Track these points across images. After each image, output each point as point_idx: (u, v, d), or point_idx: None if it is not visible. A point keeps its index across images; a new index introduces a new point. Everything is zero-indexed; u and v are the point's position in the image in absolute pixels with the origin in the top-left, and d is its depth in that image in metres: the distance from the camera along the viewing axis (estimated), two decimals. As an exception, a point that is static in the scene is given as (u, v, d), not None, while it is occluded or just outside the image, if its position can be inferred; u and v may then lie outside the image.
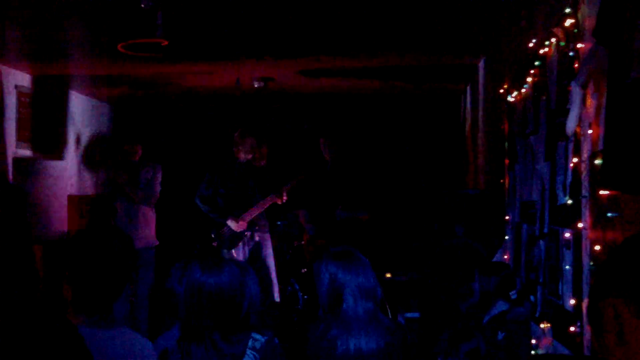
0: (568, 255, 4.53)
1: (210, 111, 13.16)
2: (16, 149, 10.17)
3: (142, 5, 6.40)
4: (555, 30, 4.88)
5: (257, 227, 9.20)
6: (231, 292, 3.82)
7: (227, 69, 10.02)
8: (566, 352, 4.52)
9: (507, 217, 6.83)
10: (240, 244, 9.15)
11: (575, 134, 4.33)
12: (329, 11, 7.25)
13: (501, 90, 7.08)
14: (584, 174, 4.15)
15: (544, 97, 5.29)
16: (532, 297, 5.64)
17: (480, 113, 9.58)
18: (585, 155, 4.14)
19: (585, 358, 3.87)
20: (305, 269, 9.73)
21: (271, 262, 9.23)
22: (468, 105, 11.15)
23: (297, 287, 9.65)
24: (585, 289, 4.03)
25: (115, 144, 12.12)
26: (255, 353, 3.84)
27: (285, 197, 9.16)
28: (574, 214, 4.33)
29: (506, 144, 6.95)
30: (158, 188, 10.56)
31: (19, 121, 10.25)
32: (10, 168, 9.91)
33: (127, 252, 3.44)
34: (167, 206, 11.17)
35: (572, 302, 4.34)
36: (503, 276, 5.88)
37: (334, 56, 9.45)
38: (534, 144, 5.64)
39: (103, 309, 3.36)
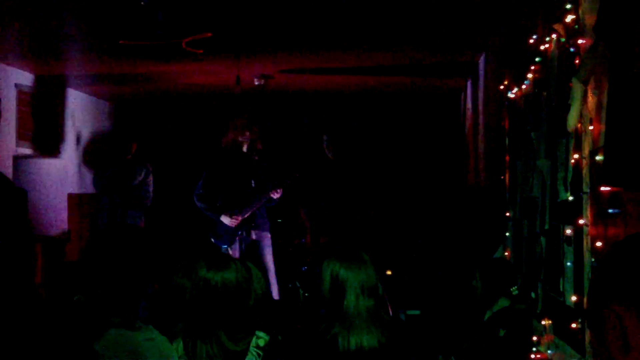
0: (569, 251, 4.52)
1: (211, 109, 13.15)
2: (16, 148, 10.17)
3: (142, 3, 6.39)
4: (555, 26, 4.87)
5: (254, 225, 9.18)
6: (238, 289, 3.82)
7: (227, 67, 10.01)
8: (567, 348, 4.51)
9: (508, 214, 6.82)
10: (237, 241, 9.14)
11: (576, 130, 4.33)
12: (330, 7, 7.25)
13: (501, 87, 7.07)
14: (585, 170, 4.15)
15: (545, 93, 5.28)
16: (533, 294, 5.63)
17: (481, 109, 9.56)
18: (586, 151, 4.13)
19: None
20: (306, 267, 9.73)
21: (270, 260, 9.21)
22: (468, 102, 11.14)
23: (298, 285, 9.64)
24: (587, 285, 4.02)
25: (114, 142, 12.13)
26: (259, 351, 3.84)
27: (279, 192, 9.10)
28: (575, 210, 4.32)
29: (507, 140, 6.94)
30: (150, 196, 10.56)
31: (19, 120, 10.25)
32: (10, 166, 9.90)
33: (150, 250, 3.41)
34: (166, 205, 11.17)
35: (574, 298, 4.33)
36: (504, 273, 5.88)
37: (334, 52, 9.44)
38: (535, 140, 5.63)
39: (130, 310, 3.31)
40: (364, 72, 10.79)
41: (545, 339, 5.18)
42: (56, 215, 11.30)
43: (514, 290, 5.80)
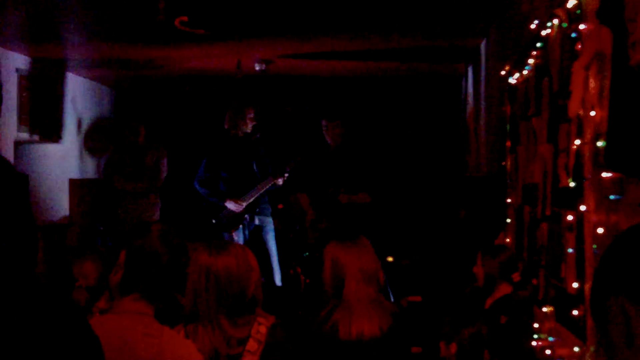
0: (570, 238, 4.51)
1: (212, 94, 13.13)
2: (17, 133, 10.15)
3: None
4: (557, 11, 4.85)
5: (257, 210, 9.17)
6: (238, 275, 3.82)
7: (228, 51, 9.99)
8: (570, 335, 4.50)
9: (509, 200, 6.81)
10: (240, 227, 9.13)
11: (577, 115, 4.31)
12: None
13: (503, 72, 7.04)
14: (587, 156, 4.13)
15: (546, 79, 5.26)
16: (534, 281, 5.62)
17: (482, 95, 9.54)
18: (587, 137, 4.11)
19: None
20: (308, 253, 9.72)
21: (273, 245, 9.22)
22: (469, 88, 11.11)
23: (300, 271, 9.64)
24: (588, 272, 4.01)
25: (117, 126, 12.12)
26: (259, 337, 3.83)
27: (285, 176, 9.12)
28: (577, 196, 4.31)
29: (508, 126, 6.92)
30: (163, 174, 10.58)
31: (20, 105, 10.22)
32: (11, 152, 9.89)
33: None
34: (168, 189, 11.17)
35: (575, 285, 4.32)
36: (505, 259, 5.88)
37: (334, 37, 9.42)
38: (536, 126, 5.61)
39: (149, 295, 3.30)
40: (364, 58, 10.77)
41: (546, 326, 5.17)
42: (57, 200, 11.30)
43: (515, 277, 5.80)
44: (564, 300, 4.65)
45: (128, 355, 3.12)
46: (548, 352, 4.98)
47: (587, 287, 3.92)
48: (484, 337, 5.01)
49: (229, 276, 3.81)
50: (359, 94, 13.14)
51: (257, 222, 9.22)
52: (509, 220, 6.81)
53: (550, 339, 5.03)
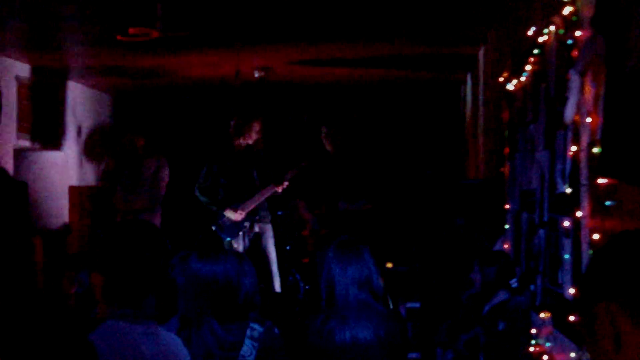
0: (567, 243, 4.52)
1: (212, 102, 13.14)
2: (17, 140, 10.17)
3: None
4: (554, 18, 4.87)
5: (257, 218, 9.18)
6: (226, 280, 3.87)
7: (227, 59, 10.00)
8: (566, 341, 4.52)
9: (507, 206, 6.82)
10: (240, 234, 9.14)
11: (574, 122, 4.33)
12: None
13: (501, 79, 7.06)
14: (583, 162, 4.15)
15: (543, 85, 5.28)
16: (532, 286, 5.64)
17: (481, 102, 9.56)
18: (584, 143, 4.13)
19: None
20: (307, 259, 9.73)
21: (272, 252, 9.22)
22: (468, 95, 11.14)
23: (298, 277, 9.65)
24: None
25: (115, 135, 12.13)
26: (253, 342, 3.86)
27: (285, 184, 9.13)
28: (573, 202, 4.32)
29: (506, 132, 6.94)
30: (164, 185, 10.48)
31: (20, 112, 10.24)
32: (11, 159, 9.91)
33: (161, 247, 3.40)
34: (168, 198, 11.17)
35: (572, 291, 4.33)
36: (503, 265, 5.89)
37: (333, 44, 9.44)
38: (534, 132, 5.63)
39: (133, 303, 3.30)
40: (364, 65, 10.79)
41: (543, 332, 5.18)
42: (57, 207, 11.31)
43: (513, 283, 5.81)
44: (561, 306, 4.67)
45: (132, 356, 3.14)
46: (545, 357, 4.99)
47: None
48: (481, 343, 5.02)
49: (216, 281, 3.86)
50: (357, 101, 13.15)
51: (257, 229, 9.22)
52: (507, 226, 6.83)
53: (548, 344, 5.04)
